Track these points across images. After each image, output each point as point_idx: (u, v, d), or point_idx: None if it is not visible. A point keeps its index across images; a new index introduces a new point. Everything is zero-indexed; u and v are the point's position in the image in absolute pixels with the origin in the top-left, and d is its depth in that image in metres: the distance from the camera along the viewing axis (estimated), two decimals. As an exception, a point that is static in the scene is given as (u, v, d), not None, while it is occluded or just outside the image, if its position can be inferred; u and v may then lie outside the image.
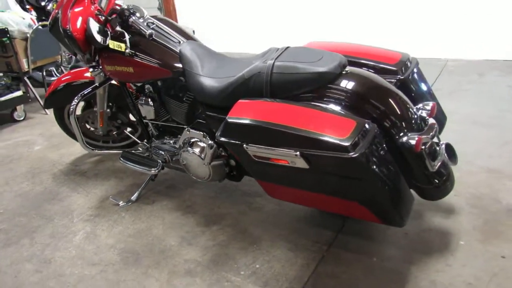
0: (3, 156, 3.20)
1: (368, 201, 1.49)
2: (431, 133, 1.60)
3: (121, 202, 2.35)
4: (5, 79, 3.96)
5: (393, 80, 1.80)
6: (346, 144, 1.37)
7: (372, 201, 1.48)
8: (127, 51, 1.98)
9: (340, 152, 1.38)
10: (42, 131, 3.60)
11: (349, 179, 1.45)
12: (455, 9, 4.37)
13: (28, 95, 3.92)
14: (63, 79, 2.65)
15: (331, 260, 1.78)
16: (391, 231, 1.92)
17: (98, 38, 1.94)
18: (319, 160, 1.44)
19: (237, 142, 1.60)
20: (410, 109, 1.66)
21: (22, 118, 3.95)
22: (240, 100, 1.68)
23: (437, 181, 1.65)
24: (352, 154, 1.36)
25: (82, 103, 2.73)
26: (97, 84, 2.37)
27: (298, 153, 1.46)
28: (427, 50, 4.61)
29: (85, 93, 2.32)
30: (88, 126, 2.81)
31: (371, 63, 1.84)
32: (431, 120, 1.66)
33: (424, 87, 1.89)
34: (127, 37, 1.99)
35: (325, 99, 1.64)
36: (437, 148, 1.68)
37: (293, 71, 1.66)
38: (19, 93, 3.86)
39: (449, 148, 1.86)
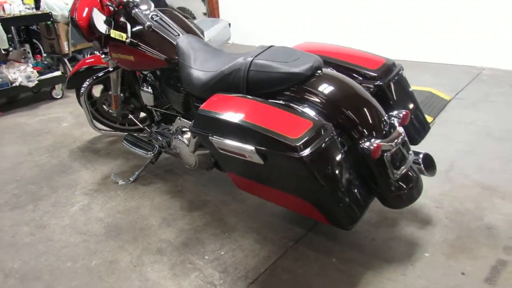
0: (35, 129, 3.52)
1: (315, 201, 1.53)
2: (395, 141, 1.60)
3: (120, 181, 2.53)
4: (48, 59, 4.32)
5: (370, 86, 1.80)
6: (295, 144, 1.42)
7: (319, 201, 1.52)
8: (127, 40, 2.13)
9: (288, 151, 1.43)
10: (73, 109, 3.90)
11: (299, 177, 1.50)
12: (497, 16, 4.14)
13: (66, 75, 4.24)
14: (86, 61, 2.87)
15: (292, 256, 1.84)
16: (360, 235, 1.93)
17: (99, 27, 2.11)
18: (271, 157, 1.50)
19: (204, 133, 1.69)
20: (378, 116, 1.66)
21: (59, 97, 4.29)
22: (215, 94, 1.77)
23: (398, 189, 1.64)
24: (299, 154, 1.41)
25: (101, 86, 2.96)
26: (109, 69, 2.56)
27: (253, 148, 1.53)
28: (462, 56, 4.41)
29: (97, 76, 2.52)
30: (106, 108, 3.03)
31: (352, 67, 1.85)
32: (399, 129, 1.66)
33: (404, 94, 1.87)
34: (129, 27, 2.14)
35: (294, 99, 1.69)
36: (406, 157, 1.67)
37: (267, 70, 1.72)
38: (58, 73, 4.20)
39: (428, 159, 1.84)
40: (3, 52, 3.93)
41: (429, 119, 3.08)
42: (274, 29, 6.05)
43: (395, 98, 1.82)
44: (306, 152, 1.41)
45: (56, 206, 2.34)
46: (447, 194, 2.19)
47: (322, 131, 1.47)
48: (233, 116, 1.59)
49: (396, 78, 1.84)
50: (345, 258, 1.80)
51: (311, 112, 1.63)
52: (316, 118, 1.55)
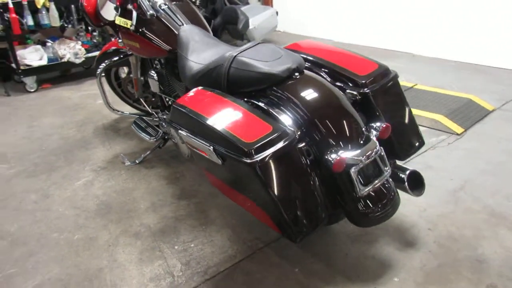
0: (74, 103, 3.79)
1: (267, 208, 1.48)
2: (365, 155, 1.49)
3: (127, 161, 2.65)
4: (97, 38, 4.58)
5: (354, 92, 1.68)
6: (247, 148, 1.38)
7: (269, 209, 1.47)
8: (131, 27, 2.19)
9: (240, 155, 1.40)
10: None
11: (251, 182, 1.46)
12: None
13: (112, 54, 4.47)
14: (115, 43, 3.01)
15: (257, 259, 1.81)
16: (335, 247, 1.84)
17: (103, 14, 2.19)
18: (227, 158, 1.48)
19: (175, 126, 1.70)
20: (353, 127, 1.55)
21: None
22: (196, 88, 1.77)
23: (365, 207, 1.53)
24: (249, 160, 1.37)
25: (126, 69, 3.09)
26: (127, 53, 2.66)
27: (211, 147, 1.51)
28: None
29: (114, 59, 2.63)
30: (130, 90, 3.16)
31: (340, 70, 1.74)
32: (373, 143, 1.53)
33: (393, 104, 1.73)
34: (134, 15, 2.19)
35: (270, 101, 1.64)
36: (382, 172, 1.55)
37: (246, 68, 1.68)
38: (104, 51, 4.44)
39: (415, 177, 1.70)
40: (59, 29, 4.25)
41: (458, 129, 2.82)
42: (327, 21, 5.84)
43: (382, 108, 1.68)
44: (256, 158, 1.36)
45: (65, 179, 2.52)
46: (446, 216, 2.01)
47: (280, 137, 1.41)
48: (199, 113, 1.58)
49: (386, 86, 1.70)
50: (309, 270, 1.73)
51: (284, 117, 1.57)
52: (279, 124, 1.48)
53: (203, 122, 1.53)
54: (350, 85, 1.70)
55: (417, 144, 1.79)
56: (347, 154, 1.48)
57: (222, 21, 5.38)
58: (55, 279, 1.74)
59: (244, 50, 1.77)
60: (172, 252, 1.87)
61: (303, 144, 1.53)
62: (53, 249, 1.92)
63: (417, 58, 4.73)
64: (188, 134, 1.63)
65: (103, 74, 2.76)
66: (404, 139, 1.73)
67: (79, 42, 4.29)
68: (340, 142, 1.51)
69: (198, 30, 2.22)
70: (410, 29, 4.86)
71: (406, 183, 1.68)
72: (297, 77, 1.64)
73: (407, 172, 1.69)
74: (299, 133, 1.54)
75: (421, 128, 2.85)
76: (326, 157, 1.49)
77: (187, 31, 2.17)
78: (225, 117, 1.52)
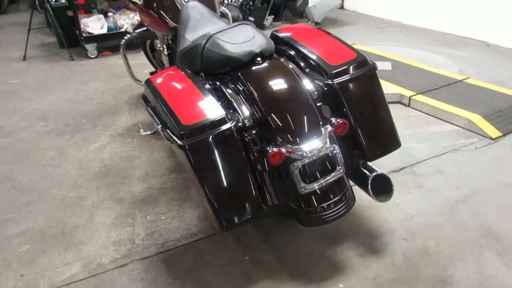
0: (122, 71, 4.00)
1: (201, 192, 1.47)
2: (310, 151, 1.40)
3: (142, 130, 2.77)
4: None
5: (319, 83, 1.57)
6: (181, 131, 1.39)
7: (202, 193, 1.46)
8: (139, 2, 2.27)
9: (175, 136, 1.41)
10: (161, 58, 4.31)
11: (187, 164, 1.46)
12: None
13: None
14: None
15: (214, 241, 1.82)
16: (294, 242, 1.78)
17: None
18: (169, 137, 1.50)
19: (145, 102, 1.76)
20: (302, 121, 1.46)
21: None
22: (171, 67, 1.80)
23: (307, 206, 1.45)
24: (181, 142, 1.38)
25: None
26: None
27: (160, 126, 1.54)
28: None
29: (136, 31, 2.75)
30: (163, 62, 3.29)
31: (313, 57, 1.62)
32: (321, 139, 1.43)
33: (364, 99, 1.57)
34: (143, -10, 2.26)
35: (231, 84, 1.62)
36: (333, 171, 1.45)
37: (214, 49, 1.66)
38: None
39: (380, 181, 1.57)
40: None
41: (493, 133, 2.49)
42: (399, 3, 5.36)
43: (350, 102, 1.55)
44: (188, 141, 1.37)
45: (84, 140, 2.75)
46: (431, 228, 1.82)
47: (217, 123, 1.39)
48: (159, 92, 1.60)
49: (358, 79, 1.55)
50: (259, 260, 1.71)
51: (239, 102, 1.54)
52: (223, 109, 1.44)
53: (158, 101, 1.56)
54: (320, 74, 1.59)
55: (389, 145, 1.63)
56: (289, 148, 1.41)
57: (284, -2, 5.27)
58: (37, 229, 1.94)
59: (222, 31, 1.74)
60: (142, 221, 1.97)
61: (252, 132, 1.49)
62: (48, 203, 2.14)
63: (491, 48, 4.19)
64: (150, 110, 1.67)
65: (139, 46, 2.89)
66: (373, 138, 1.58)
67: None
68: (288, 135, 1.44)
69: (202, 7, 2.21)
70: (487, 15, 4.29)
71: (369, 186, 1.56)
72: (259, 62, 1.58)
73: (372, 175, 1.56)
74: (250, 121, 1.50)
75: (450, 128, 2.62)
76: (268, 148, 1.43)
77: (189, 8, 2.18)
78: (177, 98, 1.53)
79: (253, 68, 1.57)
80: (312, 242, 1.78)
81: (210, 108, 1.44)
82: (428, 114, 2.84)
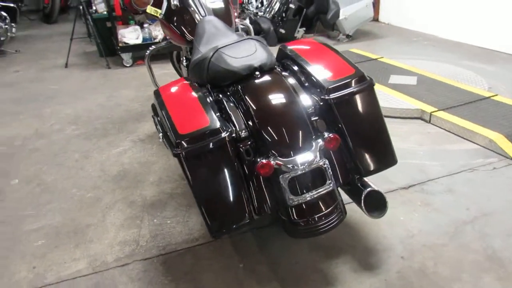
0: (158, 79, 4.23)
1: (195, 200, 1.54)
2: (298, 164, 1.43)
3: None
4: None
5: (316, 98, 1.60)
6: (177, 140, 1.46)
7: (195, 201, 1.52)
8: (160, 16, 2.39)
9: (171, 145, 1.49)
10: (190, 68, 4.46)
11: (183, 172, 1.53)
12: None
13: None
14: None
15: (213, 247, 1.88)
16: (290, 253, 1.80)
17: (133, 5, 2.42)
18: (168, 146, 1.58)
19: (153, 111, 1.86)
20: (293, 135, 1.49)
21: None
22: (179, 78, 1.89)
23: (294, 217, 1.48)
24: (175, 150, 1.45)
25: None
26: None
27: (161, 134, 1.63)
28: None
29: (161, 44, 2.89)
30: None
31: (312, 73, 1.65)
32: (311, 153, 1.45)
33: (360, 115, 1.57)
34: (164, 4, 2.38)
35: (231, 97, 1.68)
36: (318, 185, 1.47)
37: (218, 62, 1.73)
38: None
39: (374, 197, 1.57)
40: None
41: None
42: (438, 16, 5.20)
43: (345, 118, 1.56)
44: (182, 150, 1.44)
45: (108, 145, 2.91)
46: (432, 248, 1.78)
47: (213, 133, 1.46)
48: (164, 103, 1.69)
49: (354, 94, 1.56)
50: (252, 269, 1.74)
51: (236, 115, 1.60)
52: (218, 121, 1.50)
53: (161, 110, 1.65)
54: (317, 89, 1.62)
55: (384, 162, 1.61)
56: (278, 160, 1.45)
57: (315, 10, 5.30)
58: (53, 226, 2.08)
59: (228, 45, 1.81)
60: (149, 224, 2.06)
61: (247, 143, 1.54)
62: (66, 202, 2.28)
63: (530, 64, 4.01)
64: (155, 120, 1.77)
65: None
66: (367, 154, 1.58)
67: (171, 25, 4.72)
68: (278, 148, 1.48)
69: (218, 22, 2.30)
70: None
71: (362, 202, 1.56)
72: (258, 76, 1.63)
73: (366, 191, 1.56)
74: (245, 132, 1.55)
75: (470, 146, 2.55)
76: (258, 159, 1.48)
77: (205, 22, 2.27)
78: (177, 108, 1.61)
79: (251, 81, 1.62)
80: (308, 254, 1.79)
81: (206, 119, 1.51)
82: (449, 131, 2.76)
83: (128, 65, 4.73)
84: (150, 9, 2.44)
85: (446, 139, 2.68)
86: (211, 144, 1.44)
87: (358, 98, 1.58)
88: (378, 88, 3.33)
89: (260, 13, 5.72)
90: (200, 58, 1.89)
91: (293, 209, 1.48)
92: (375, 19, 6.21)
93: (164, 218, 2.09)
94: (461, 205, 2.03)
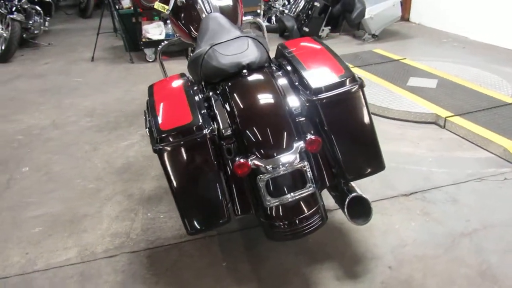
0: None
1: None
2: (276, 165, 1.40)
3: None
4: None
5: (303, 99, 1.56)
6: (157, 135, 1.47)
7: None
8: (167, 12, 2.41)
9: (152, 140, 1.50)
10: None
11: (162, 168, 1.53)
12: None
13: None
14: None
15: (200, 244, 1.88)
16: (275, 254, 1.77)
17: (142, 0, 2.45)
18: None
19: (146, 106, 1.87)
20: (274, 136, 1.46)
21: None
22: (175, 75, 1.90)
23: (271, 219, 1.45)
24: (155, 146, 1.46)
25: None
26: None
27: (147, 129, 1.64)
28: None
29: (173, 40, 2.92)
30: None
31: (302, 73, 1.60)
32: (290, 155, 1.42)
33: (345, 117, 1.51)
34: (171, 1, 2.40)
35: (219, 94, 1.67)
36: (297, 188, 1.43)
37: (209, 59, 1.73)
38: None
39: (358, 203, 1.52)
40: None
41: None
42: (473, 17, 4.96)
43: (330, 120, 1.51)
44: (161, 145, 1.45)
45: (118, 138, 2.97)
46: (423, 260, 1.70)
47: (193, 130, 1.45)
48: (153, 98, 1.70)
49: (341, 96, 1.50)
50: (234, 268, 1.73)
51: (221, 112, 1.59)
52: (200, 118, 1.50)
53: (149, 106, 1.67)
54: (305, 90, 1.58)
55: (370, 167, 1.54)
56: (256, 161, 1.42)
57: (341, 9, 5.19)
58: (51, 214, 2.15)
59: (222, 42, 1.80)
60: (143, 217, 2.09)
61: (230, 142, 1.53)
62: (69, 191, 2.35)
63: None
64: (146, 117, 1.78)
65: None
66: (352, 158, 1.52)
67: (193, 21, 4.76)
68: (257, 148, 1.45)
69: (222, 19, 2.28)
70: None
71: (345, 208, 1.51)
72: (245, 74, 1.61)
73: (350, 197, 1.51)
74: (229, 130, 1.54)
75: (483, 155, 2.43)
76: (237, 158, 1.46)
77: (210, 18, 2.26)
78: (163, 104, 1.62)
79: (238, 80, 1.60)
80: (294, 257, 1.76)
81: (189, 115, 1.50)
82: (463, 138, 2.63)
83: (150, 60, 4.82)
84: (157, 5, 2.46)
85: (459, 146, 2.55)
86: (191, 141, 1.44)
87: (345, 99, 1.52)
88: (395, 90, 3.23)
89: (286, 11, 5.67)
90: (196, 55, 1.89)
91: (271, 210, 1.45)
92: (406, 19, 6.01)
93: (158, 213, 2.11)
94: (462, 216, 1.93)
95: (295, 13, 5.37)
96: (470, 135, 2.59)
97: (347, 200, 1.51)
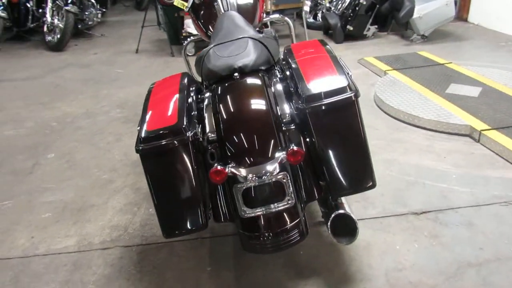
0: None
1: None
2: (252, 175, 1.35)
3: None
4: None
5: (293, 107, 1.48)
6: (141, 135, 1.47)
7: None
8: (185, 9, 2.41)
9: (137, 140, 1.51)
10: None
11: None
12: None
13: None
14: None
15: (190, 246, 1.86)
16: (261, 264, 1.72)
17: None
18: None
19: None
20: (256, 145, 1.39)
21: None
22: (177, 73, 1.90)
23: (247, 230, 1.40)
24: (137, 147, 1.46)
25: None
26: None
27: (138, 128, 1.65)
28: None
29: (197, 37, 2.92)
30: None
31: (298, 79, 1.52)
32: (269, 166, 1.35)
33: (336, 129, 1.41)
34: (191, -2, 2.39)
35: (211, 96, 1.65)
36: (274, 200, 1.37)
37: (208, 61, 1.70)
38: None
39: (343, 221, 1.44)
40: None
41: None
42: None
43: (319, 131, 1.41)
44: (142, 146, 1.45)
45: (132, 131, 3.04)
46: (418, 287, 1.56)
47: (175, 133, 1.43)
48: (149, 97, 1.71)
49: (330, 105, 1.40)
50: (217, 274, 1.70)
51: (209, 116, 1.56)
52: (185, 119, 1.47)
53: (143, 105, 1.67)
54: (297, 97, 1.50)
55: (359, 184, 1.43)
56: (233, 169, 1.37)
57: (390, 7, 4.93)
58: (63, 201, 2.25)
59: (224, 43, 1.77)
60: (144, 213, 2.12)
61: (216, 147, 1.50)
62: (84, 180, 2.45)
63: None
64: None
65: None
66: (339, 173, 1.42)
67: (233, 17, 4.76)
68: (236, 156, 1.40)
69: (238, 17, 2.23)
70: None
71: (328, 224, 1.43)
72: (237, 77, 1.56)
73: (334, 214, 1.42)
74: (214, 135, 1.50)
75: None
76: (215, 164, 1.42)
77: (225, 17, 2.22)
78: (154, 103, 1.62)
79: (227, 83, 1.56)
80: (279, 269, 1.69)
81: (175, 117, 1.49)
82: (497, 155, 2.38)
83: (190, 54, 4.88)
84: (177, 2, 2.47)
85: (490, 164, 2.32)
86: (171, 143, 1.42)
87: (337, 110, 1.42)
88: (430, 97, 3.01)
89: (332, 8, 5.49)
90: (200, 55, 1.87)
91: (246, 221, 1.39)
92: (463, 19, 5.59)
93: (147, 210, 2.13)
94: (475, 244, 1.74)
95: (340, 10, 5.19)
96: (506, 152, 2.34)
97: (332, 216, 1.42)
